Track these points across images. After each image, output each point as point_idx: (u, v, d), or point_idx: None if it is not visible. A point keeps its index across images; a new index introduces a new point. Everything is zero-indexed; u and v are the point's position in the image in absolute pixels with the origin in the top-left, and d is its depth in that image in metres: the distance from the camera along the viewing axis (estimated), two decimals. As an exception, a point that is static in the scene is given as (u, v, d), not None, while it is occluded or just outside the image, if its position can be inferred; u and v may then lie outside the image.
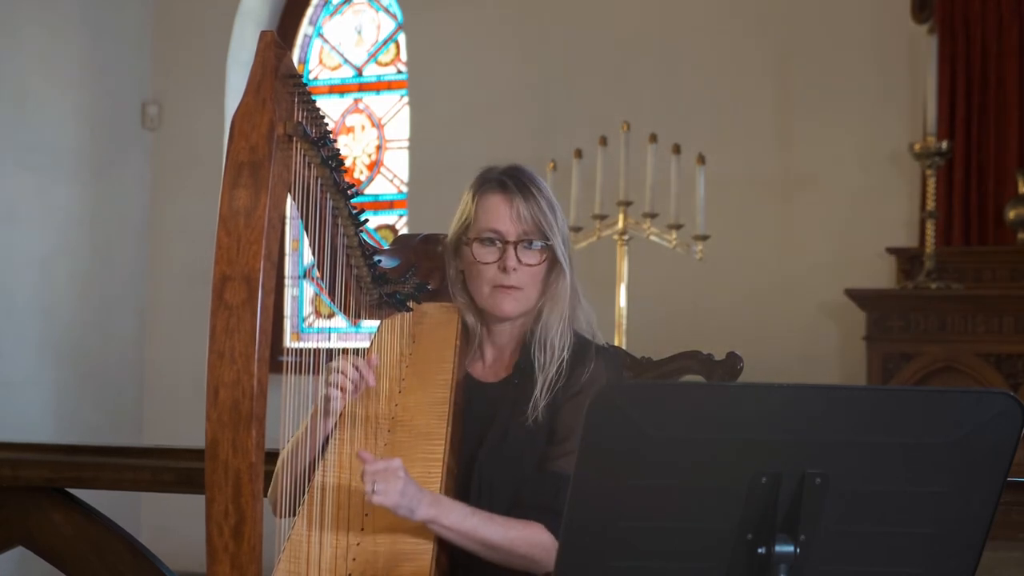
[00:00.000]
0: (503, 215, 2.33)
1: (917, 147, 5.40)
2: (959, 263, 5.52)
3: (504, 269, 2.32)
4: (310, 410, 2.25)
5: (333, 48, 7.25)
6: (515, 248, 2.32)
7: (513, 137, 6.29)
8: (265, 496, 2.00)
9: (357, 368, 2.23)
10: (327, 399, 2.22)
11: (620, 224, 5.26)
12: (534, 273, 2.33)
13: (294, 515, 2.20)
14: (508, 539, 2.16)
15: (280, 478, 2.25)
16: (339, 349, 2.28)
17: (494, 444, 2.29)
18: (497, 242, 2.33)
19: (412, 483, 2.10)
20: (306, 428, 2.24)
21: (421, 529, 2.16)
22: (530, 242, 2.32)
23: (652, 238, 5.26)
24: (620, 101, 6.14)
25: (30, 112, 6.63)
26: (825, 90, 6.01)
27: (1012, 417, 1.55)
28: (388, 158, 7.10)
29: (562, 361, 2.31)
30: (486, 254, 2.34)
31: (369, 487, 2.06)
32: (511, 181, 2.34)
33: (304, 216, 2.13)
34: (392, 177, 7.07)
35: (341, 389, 2.22)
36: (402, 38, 7.03)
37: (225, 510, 1.91)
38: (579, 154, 5.39)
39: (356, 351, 2.29)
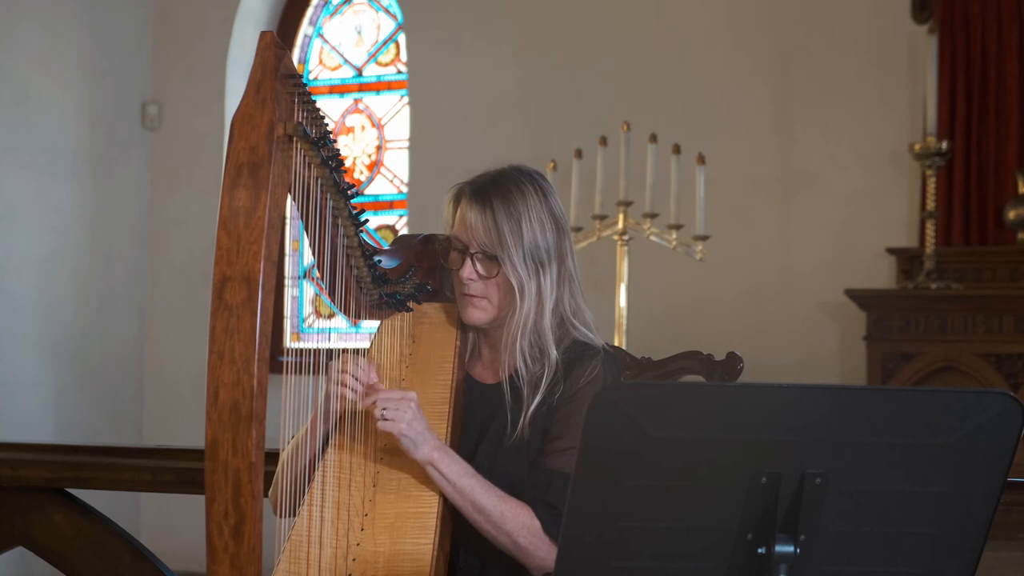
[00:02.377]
0: (461, 225, 2.33)
1: (917, 147, 5.40)
2: (959, 263, 5.52)
3: (461, 279, 2.32)
4: (311, 413, 2.25)
5: (333, 48, 7.25)
6: (472, 258, 2.32)
7: (513, 137, 6.30)
8: (265, 496, 2.00)
9: (357, 378, 2.23)
10: (327, 399, 2.23)
11: (620, 224, 5.25)
12: (494, 284, 2.31)
13: (294, 515, 2.20)
14: (499, 510, 2.17)
15: (280, 478, 2.25)
16: (339, 350, 2.28)
17: (492, 445, 2.30)
18: (460, 251, 2.34)
19: (423, 420, 2.15)
20: (306, 430, 2.25)
21: (421, 529, 2.16)
22: (484, 254, 2.31)
23: (652, 238, 5.26)
24: (620, 101, 6.14)
25: (30, 112, 6.63)
26: (825, 90, 6.01)
27: (1012, 417, 1.55)
28: (388, 158, 7.10)
29: (555, 377, 2.30)
30: (454, 261, 2.36)
31: (379, 413, 2.10)
32: (472, 191, 2.33)
33: (304, 216, 2.13)
34: (392, 177, 7.07)
35: (341, 398, 2.22)
36: (402, 38, 7.03)
37: (225, 510, 1.91)
38: (579, 154, 5.39)
39: (356, 352, 2.29)
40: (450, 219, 2.38)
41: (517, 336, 2.31)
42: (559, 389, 2.29)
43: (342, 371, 2.22)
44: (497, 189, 2.32)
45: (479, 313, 2.33)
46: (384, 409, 2.12)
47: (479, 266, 2.31)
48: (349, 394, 2.22)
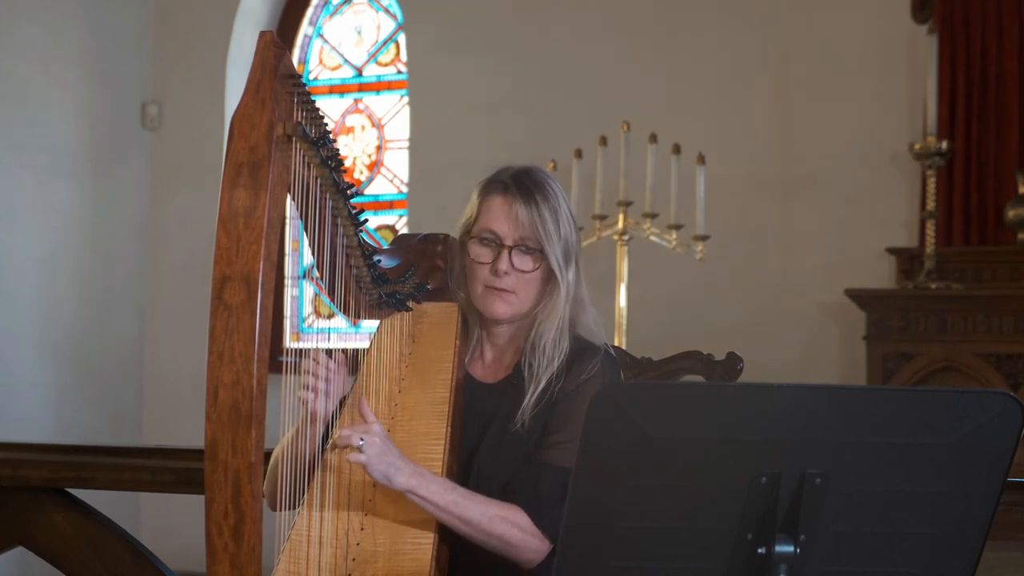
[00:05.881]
0: (501, 217, 2.32)
1: (917, 147, 5.40)
2: (959, 263, 5.51)
3: (496, 272, 2.31)
4: (301, 411, 2.25)
5: (333, 48, 7.25)
6: (510, 252, 2.31)
7: (513, 137, 6.29)
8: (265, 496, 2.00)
9: (326, 366, 2.22)
10: (303, 402, 2.22)
11: (620, 224, 5.26)
12: (528, 279, 2.32)
13: (293, 508, 2.19)
14: (487, 516, 2.16)
15: (280, 473, 2.24)
16: (337, 351, 2.28)
17: (492, 444, 2.30)
18: (493, 243, 2.33)
19: (394, 450, 2.11)
20: (298, 428, 2.24)
21: (421, 528, 2.16)
22: (526, 248, 2.31)
23: (652, 238, 5.26)
24: (620, 101, 6.14)
25: (30, 112, 6.64)
26: (825, 90, 6.01)
27: (1012, 417, 1.55)
28: (388, 158, 7.10)
29: (558, 368, 2.30)
30: (482, 254, 2.34)
31: (356, 441, 2.07)
32: (515, 184, 2.33)
33: (304, 216, 2.12)
34: (392, 177, 7.07)
35: (314, 391, 2.21)
36: (402, 38, 7.03)
37: (225, 510, 1.91)
38: (579, 154, 5.39)
39: (329, 351, 2.28)
40: (474, 212, 2.36)
41: (550, 330, 2.31)
42: (559, 384, 2.29)
43: (304, 372, 2.21)
44: (535, 184, 2.33)
45: (506, 307, 2.33)
46: (360, 440, 2.08)
47: (516, 259, 2.31)
48: (321, 385, 2.21)
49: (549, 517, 2.16)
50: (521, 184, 2.33)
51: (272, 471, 2.25)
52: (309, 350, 2.27)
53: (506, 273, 2.31)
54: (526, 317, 2.35)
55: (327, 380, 2.23)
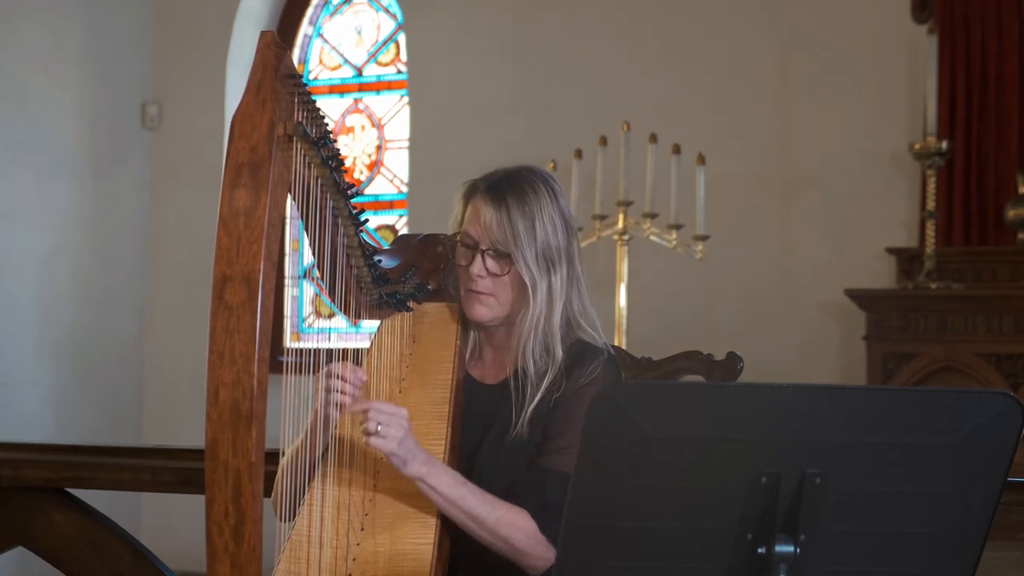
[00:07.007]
0: (475, 221, 2.32)
1: (917, 147, 5.40)
2: (959, 263, 5.52)
3: (471, 275, 2.32)
4: (309, 415, 2.24)
5: (333, 48, 7.25)
6: (483, 256, 2.31)
7: (513, 137, 6.29)
8: (267, 497, 2.00)
9: (349, 381, 2.21)
10: (325, 407, 2.20)
11: (620, 224, 5.26)
12: (502, 282, 2.31)
13: (295, 518, 2.20)
14: (494, 516, 2.16)
15: (281, 482, 2.25)
16: (339, 351, 2.27)
17: (493, 446, 2.29)
18: (470, 247, 2.33)
19: (412, 437, 2.12)
20: (306, 434, 2.24)
21: (421, 529, 2.16)
22: (495, 252, 2.30)
23: (652, 238, 5.26)
24: (620, 101, 6.14)
25: (30, 112, 6.64)
26: (825, 90, 6.01)
27: (1012, 417, 1.55)
28: (388, 158, 7.10)
29: (556, 376, 2.30)
30: (461, 257, 2.34)
31: (372, 427, 2.08)
32: (487, 188, 2.32)
33: (304, 216, 2.12)
34: (392, 177, 7.07)
35: (340, 406, 2.20)
36: (402, 38, 7.03)
37: (225, 510, 1.91)
38: (579, 154, 5.39)
39: (344, 356, 2.26)
40: (460, 215, 2.37)
41: (528, 336, 2.30)
42: (559, 388, 2.29)
43: (339, 377, 2.19)
44: (512, 187, 2.31)
45: (485, 310, 2.33)
46: (378, 424, 2.09)
47: (489, 263, 2.31)
48: (347, 400, 2.20)
49: (556, 524, 2.16)
50: (493, 188, 2.32)
51: (278, 481, 2.25)
52: (323, 352, 2.25)
53: (480, 276, 2.31)
54: (511, 319, 2.35)
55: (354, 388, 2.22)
